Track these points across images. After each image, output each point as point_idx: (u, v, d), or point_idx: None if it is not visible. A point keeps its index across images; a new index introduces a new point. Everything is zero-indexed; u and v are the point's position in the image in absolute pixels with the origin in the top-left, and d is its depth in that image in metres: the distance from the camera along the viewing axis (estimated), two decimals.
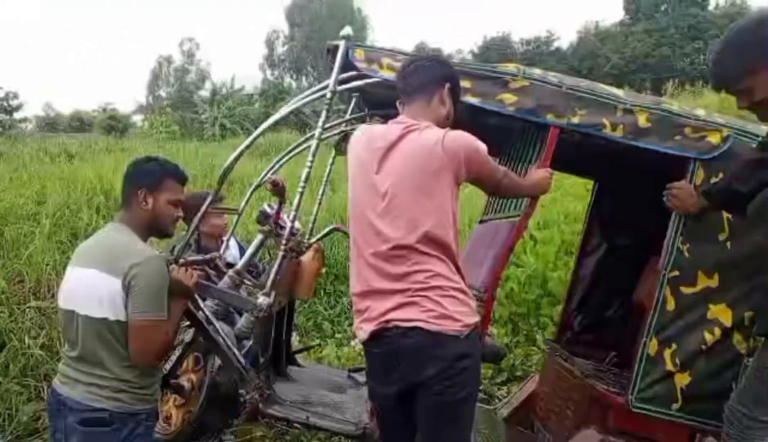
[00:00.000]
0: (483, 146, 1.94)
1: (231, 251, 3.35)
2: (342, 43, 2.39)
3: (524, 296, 5.68)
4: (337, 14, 40.28)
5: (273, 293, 2.34)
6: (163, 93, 42.20)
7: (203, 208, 2.53)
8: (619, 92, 2.49)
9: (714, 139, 2.40)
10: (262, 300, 2.31)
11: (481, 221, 3.28)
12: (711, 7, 30.84)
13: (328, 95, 2.36)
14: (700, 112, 2.49)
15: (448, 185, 1.87)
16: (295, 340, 5.38)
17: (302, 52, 42.03)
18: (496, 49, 34.99)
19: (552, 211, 7.64)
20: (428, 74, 2.05)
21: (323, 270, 3.56)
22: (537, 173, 2.30)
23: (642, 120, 2.40)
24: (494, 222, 2.85)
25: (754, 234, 2.39)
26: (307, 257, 2.72)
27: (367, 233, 1.90)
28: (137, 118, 34.14)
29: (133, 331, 1.90)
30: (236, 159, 2.45)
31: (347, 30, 2.42)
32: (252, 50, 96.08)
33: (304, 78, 42.20)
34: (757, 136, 2.41)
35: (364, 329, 1.91)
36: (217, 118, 26.81)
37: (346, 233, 3.35)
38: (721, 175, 2.39)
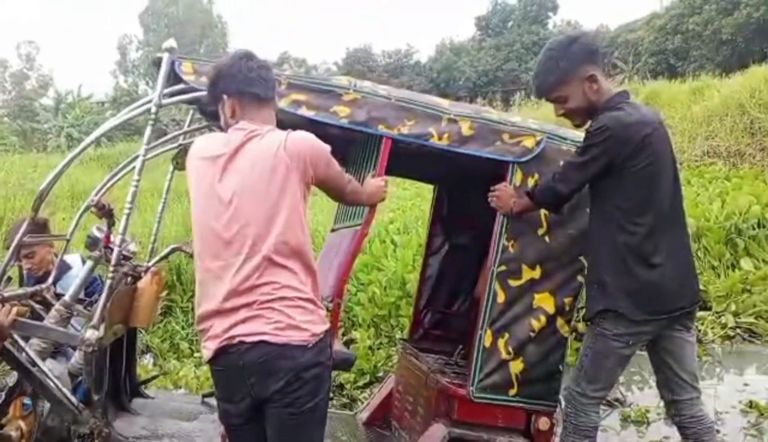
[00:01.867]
0: (327, 147, 1.94)
1: (74, 272, 3.07)
2: (165, 56, 2.30)
3: (385, 298, 5.84)
4: (195, 19, 38.63)
5: (102, 325, 2.18)
6: None
7: (17, 237, 2.31)
8: (444, 102, 2.65)
9: (528, 143, 2.62)
10: (90, 334, 2.14)
11: (332, 230, 3.32)
12: (550, 26, 33.74)
13: (153, 110, 2.26)
14: (516, 119, 2.71)
15: (295, 189, 1.84)
16: (148, 364, 5.07)
17: None
18: (359, 62, 35.59)
19: (410, 216, 7.93)
20: (268, 77, 1.99)
21: (163, 294, 3.38)
22: (372, 183, 2.36)
23: (465, 128, 2.57)
24: (341, 231, 2.89)
25: (568, 228, 2.66)
26: (144, 282, 2.57)
27: (213, 246, 1.82)
28: None
29: None
30: (53, 181, 2.26)
31: (170, 42, 2.34)
32: (101, 56, 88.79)
33: None
34: (566, 138, 2.69)
35: (208, 348, 1.83)
36: (63, 128, 24.71)
37: (188, 253, 3.22)
38: (536, 175, 2.62)
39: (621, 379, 4.15)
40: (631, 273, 2.32)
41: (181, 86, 2.36)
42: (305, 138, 1.90)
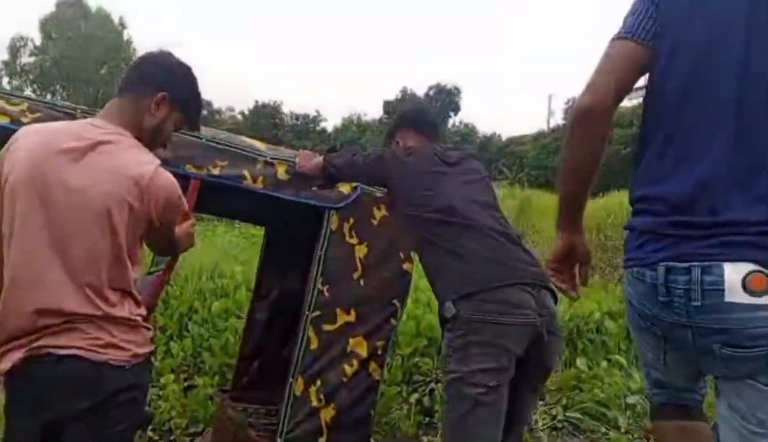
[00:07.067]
0: (183, 199, 1.79)
1: None
2: None
3: (238, 347, 5.59)
4: (101, 39, 35.81)
5: None
6: None
7: None
8: (261, 146, 2.62)
9: (345, 189, 2.66)
10: None
11: (148, 273, 3.12)
12: (449, 124, 35.73)
13: None
14: None
15: (141, 225, 1.67)
16: None
17: (53, 68, 36.38)
18: (266, 117, 35.52)
19: None
20: (145, 71, 1.80)
21: None
22: (181, 227, 2.23)
23: (281, 172, 2.56)
24: (148, 277, 2.71)
25: (382, 271, 2.70)
26: None
27: (36, 262, 1.58)
28: None
29: None
30: None
31: None
32: None
33: (50, 95, 36.28)
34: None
35: (7, 358, 1.59)
36: None
37: None
38: (352, 220, 2.65)
39: None
40: None
41: None
42: (172, 185, 1.72)
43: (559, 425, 4.82)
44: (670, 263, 1.31)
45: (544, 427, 4.78)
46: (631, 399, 4.84)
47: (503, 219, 2.31)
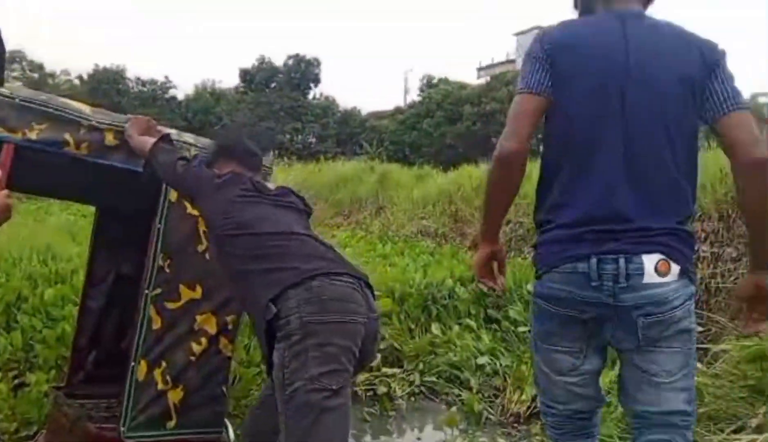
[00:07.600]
0: None
1: None
2: None
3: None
4: None
5: None
6: None
7: None
8: (86, 109, 2.37)
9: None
10: None
11: None
12: (310, 97, 35.08)
13: None
14: (172, 131, 2.56)
15: None
16: None
17: None
18: (108, 82, 32.27)
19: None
20: None
21: None
22: None
23: (109, 138, 2.35)
24: None
25: None
26: None
27: None
28: None
29: None
30: None
31: None
32: None
33: None
34: None
35: None
36: None
37: None
38: None
39: None
40: None
41: None
42: None
43: (417, 390, 4.98)
44: (601, 256, 1.67)
45: (403, 394, 4.93)
46: (481, 360, 5.13)
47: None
